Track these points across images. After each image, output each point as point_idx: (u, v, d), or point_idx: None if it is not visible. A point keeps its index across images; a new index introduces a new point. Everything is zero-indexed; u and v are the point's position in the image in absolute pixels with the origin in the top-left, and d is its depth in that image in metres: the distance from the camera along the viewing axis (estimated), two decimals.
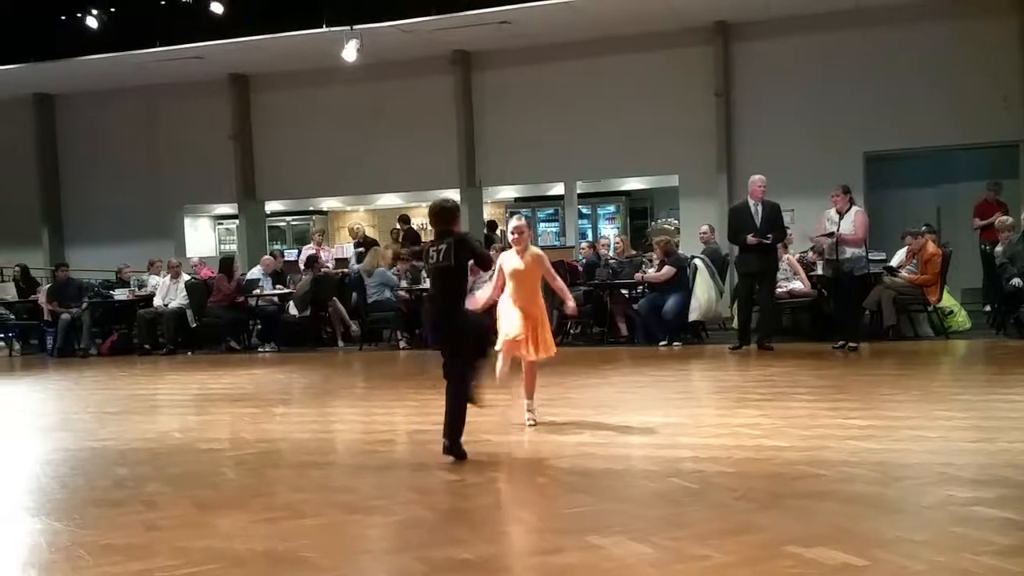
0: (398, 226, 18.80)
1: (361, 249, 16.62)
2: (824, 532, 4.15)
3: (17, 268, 17.90)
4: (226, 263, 15.49)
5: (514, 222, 7.19)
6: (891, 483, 5.04)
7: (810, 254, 13.13)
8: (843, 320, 11.61)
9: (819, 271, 12.31)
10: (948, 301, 12.75)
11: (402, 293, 14.32)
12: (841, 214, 11.24)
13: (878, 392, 8.21)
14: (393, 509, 4.94)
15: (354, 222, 20.13)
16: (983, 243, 14.31)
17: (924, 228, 13.08)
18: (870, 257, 11.80)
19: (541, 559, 4.00)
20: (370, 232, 21.02)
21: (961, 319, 12.81)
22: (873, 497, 4.79)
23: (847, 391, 8.34)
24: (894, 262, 12.85)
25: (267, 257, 16.35)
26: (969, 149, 16.03)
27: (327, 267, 15.84)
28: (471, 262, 6.26)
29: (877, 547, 3.92)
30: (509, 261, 7.05)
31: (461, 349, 6.15)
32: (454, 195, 18.75)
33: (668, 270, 12.76)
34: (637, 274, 13.20)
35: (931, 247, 12.45)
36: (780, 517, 4.46)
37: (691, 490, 5.03)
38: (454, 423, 6.00)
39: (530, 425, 7.01)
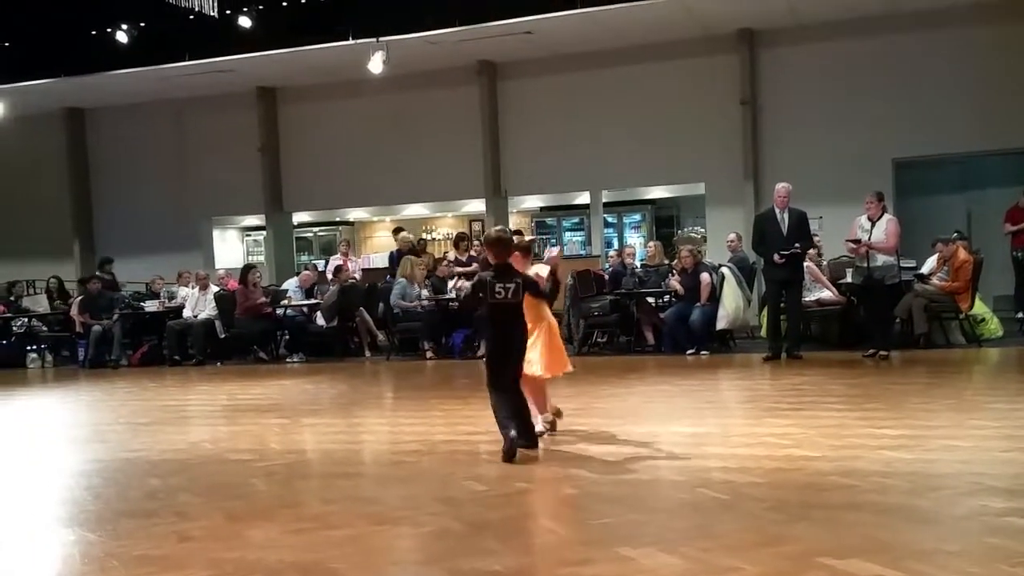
0: (396, 237, 18.45)
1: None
2: (857, 543, 4.11)
3: (53, 280, 18.17)
4: (242, 272, 15.56)
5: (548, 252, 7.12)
6: (924, 493, 4.98)
7: (844, 259, 13.01)
8: (874, 328, 11.51)
9: (848, 279, 12.22)
10: (980, 308, 12.63)
11: (425, 303, 14.30)
12: (873, 221, 11.15)
13: (910, 401, 8.14)
14: (421, 520, 4.94)
15: (407, 231, 19.81)
16: (1015, 249, 14.14)
17: (955, 235, 12.96)
18: (901, 265, 11.70)
19: (570, 570, 3.99)
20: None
21: (993, 326, 12.69)
22: (906, 508, 4.74)
23: (878, 400, 8.26)
24: (925, 269, 12.75)
25: (307, 272, 16.43)
26: (1000, 155, 15.86)
27: (354, 277, 15.91)
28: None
29: (911, 559, 3.87)
30: None
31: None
32: (479, 205, 18.86)
33: (705, 278, 12.74)
34: (672, 281, 13.15)
35: (962, 254, 12.33)
36: (812, 528, 4.42)
37: (721, 501, 5.00)
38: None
39: (547, 432, 6.94)
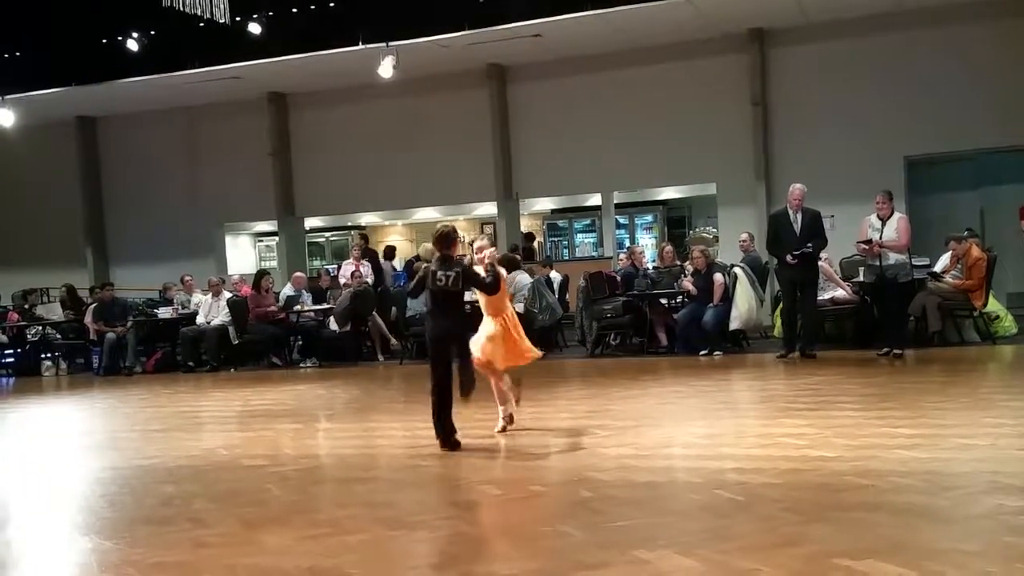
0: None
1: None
2: (874, 544, 4.10)
3: (64, 288, 18.23)
4: (256, 278, 15.60)
5: (479, 242, 7.78)
6: (940, 493, 4.96)
7: (857, 258, 12.97)
8: (888, 327, 11.47)
9: (861, 277, 12.18)
10: (994, 306, 12.56)
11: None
12: (883, 220, 11.13)
13: (925, 400, 8.09)
14: (436, 524, 4.94)
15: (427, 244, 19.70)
16: None
17: (966, 233, 12.89)
18: (913, 263, 11.65)
19: (586, 574, 3.98)
20: (407, 246, 21.13)
21: (1007, 324, 12.61)
22: (922, 507, 4.72)
23: (893, 399, 8.23)
24: (938, 267, 12.68)
25: (299, 274, 16.48)
26: (1013, 151, 15.77)
27: (366, 282, 15.91)
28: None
29: (928, 559, 3.86)
30: None
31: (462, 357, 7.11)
32: (491, 207, 18.88)
33: (718, 278, 12.70)
34: (685, 282, 13.11)
35: (975, 251, 12.27)
36: (828, 529, 4.41)
37: (737, 502, 4.99)
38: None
39: (499, 431, 7.40)
